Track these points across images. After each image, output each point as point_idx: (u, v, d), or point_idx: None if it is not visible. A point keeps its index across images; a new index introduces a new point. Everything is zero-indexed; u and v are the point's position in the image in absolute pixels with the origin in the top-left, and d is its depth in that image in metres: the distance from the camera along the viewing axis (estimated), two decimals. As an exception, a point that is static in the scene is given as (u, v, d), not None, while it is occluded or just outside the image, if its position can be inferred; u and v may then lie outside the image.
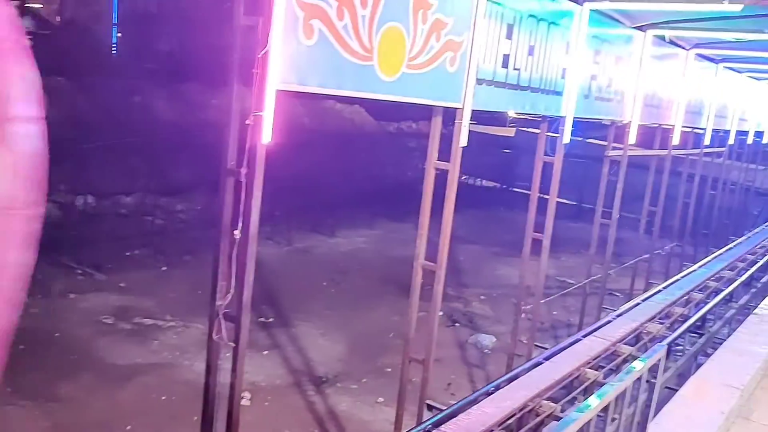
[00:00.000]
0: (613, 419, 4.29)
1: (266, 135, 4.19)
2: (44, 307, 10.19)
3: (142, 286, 11.58)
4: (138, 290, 11.39)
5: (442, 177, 6.26)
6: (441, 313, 8.23)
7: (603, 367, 6.42)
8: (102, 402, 7.85)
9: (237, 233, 4.43)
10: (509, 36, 6.19)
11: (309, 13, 4.22)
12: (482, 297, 13.10)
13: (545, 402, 5.48)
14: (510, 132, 25.69)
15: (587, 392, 6.11)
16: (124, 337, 9.57)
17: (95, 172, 13.16)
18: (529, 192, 8.48)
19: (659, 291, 9.14)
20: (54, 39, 27.46)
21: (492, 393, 5.58)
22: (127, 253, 13.10)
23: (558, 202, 8.42)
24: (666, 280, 10.44)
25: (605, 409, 4.00)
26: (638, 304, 8.44)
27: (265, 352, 9.54)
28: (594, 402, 3.65)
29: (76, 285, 11.27)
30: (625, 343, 7.00)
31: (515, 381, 5.83)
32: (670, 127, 11.46)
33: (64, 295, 10.77)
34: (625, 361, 6.66)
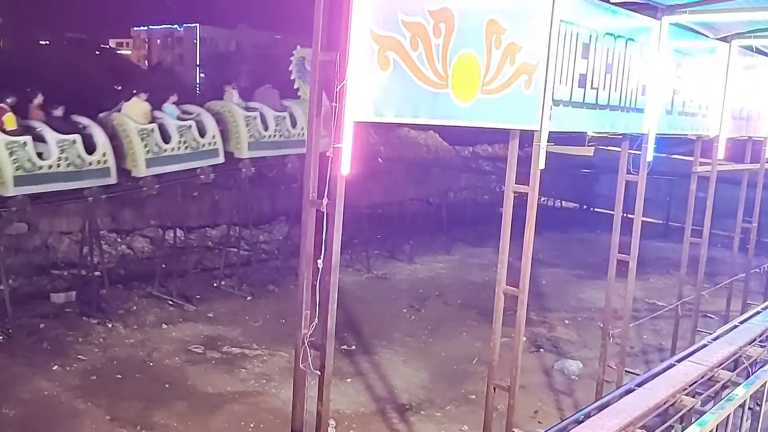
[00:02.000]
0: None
1: (345, 166, 4.29)
2: (138, 338, 10.68)
3: (228, 316, 11.95)
4: (225, 320, 11.75)
5: (519, 200, 6.19)
6: (524, 339, 8.07)
7: (700, 394, 6.11)
8: (195, 430, 8.10)
9: (320, 263, 4.53)
10: (585, 55, 6.10)
11: (384, 46, 4.32)
12: (567, 321, 12.74)
13: (639, 431, 5.25)
14: (589, 151, 25.13)
15: (684, 420, 5.83)
16: (213, 366, 9.86)
17: (183, 207, 13.74)
18: (610, 212, 8.24)
19: (758, 312, 8.63)
20: (144, 80, 29.14)
21: (582, 421, 5.40)
22: (214, 284, 13.55)
23: (643, 221, 8.15)
24: (765, 301, 9.85)
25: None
26: (736, 326, 7.99)
27: (349, 380, 9.60)
28: (695, 431, 3.48)
29: (168, 316, 11.74)
30: (723, 368, 6.63)
31: (606, 408, 5.62)
32: (762, 139, 10.91)
33: (157, 326, 11.23)
34: (724, 387, 6.31)
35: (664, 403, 5.80)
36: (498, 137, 22.19)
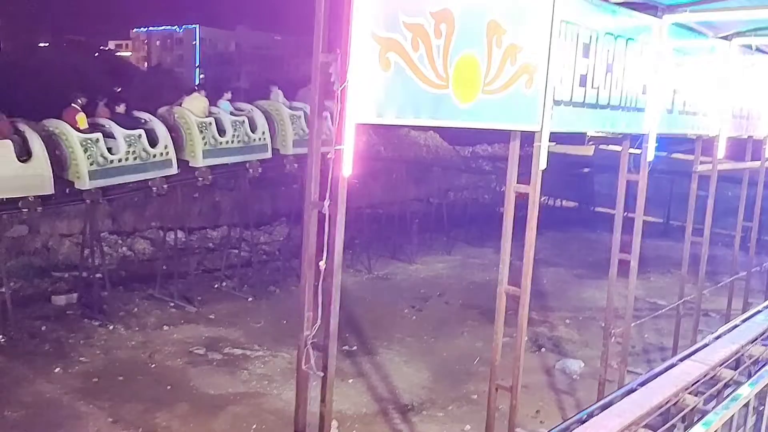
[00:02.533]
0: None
1: (347, 168, 4.29)
2: (140, 340, 10.68)
3: (230, 317, 11.95)
4: (226, 321, 11.75)
5: (520, 199, 6.19)
6: (526, 338, 8.07)
7: (702, 393, 6.09)
8: (197, 431, 8.10)
9: (322, 264, 4.53)
10: (586, 55, 6.10)
11: (385, 47, 4.32)
12: (568, 321, 12.74)
13: (642, 430, 5.24)
14: (589, 151, 25.10)
15: (686, 420, 5.82)
16: (215, 367, 9.87)
17: (183, 208, 13.76)
18: (611, 211, 8.23)
19: (760, 311, 8.62)
20: (144, 81, 29.17)
21: (585, 421, 5.38)
22: (215, 286, 13.56)
23: (644, 221, 8.14)
24: (766, 299, 9.84)
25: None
26: (738, 325, 7.97)
27: (351, 381, 9.60)
28: (699, 431, 3.48)
29: (169, 317, 11.74)
30: (725, 367, 6.62)
31: (609, 408, 5.60)
32: (762, 138, 10.90)
33: (158, 327, 11.24)
34: (726, 386, 6.31)
35: (667, 403, 5.78)
36: (498, 137, 22.18)
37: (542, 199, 21.00)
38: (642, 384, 6.11)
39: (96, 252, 11.85)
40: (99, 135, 10.73)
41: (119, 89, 27.34)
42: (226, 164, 12.73)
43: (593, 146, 25.75)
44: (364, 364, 10.23)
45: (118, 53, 55.49)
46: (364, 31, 4.17)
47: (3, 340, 10.17)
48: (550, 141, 5.91)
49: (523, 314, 6.24)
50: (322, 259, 4.54)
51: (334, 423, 7.93)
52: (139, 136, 11.21)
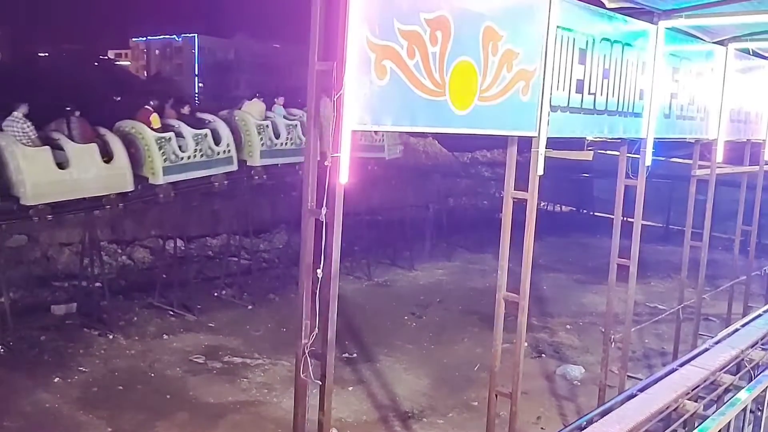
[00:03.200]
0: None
1: (344, 175, 4.29)
2: (140, 349, 10.66)
3: (229, 326, 11.93)
4: (226, 329, 11.73)
5: (519, 205, 6.20)
6: (526, 344, 8.06)
7: (703, 398, 6.08)
8: (196, 440, 8.08)
9: (319, 272, 4.53)
10: (582, 61, 6.11)
11: (380, 54, 4.33)
12: (568, 326, 12.72)
13: (642, 436, 5.23)
14: (588, 156, 25.13)
15: (686, 425, 5.80)
16: (215, 376, 9.84)
17: (183, 216, 13.77)
18: (610, 216, 8.23)
19: (760, 315, 8.60)
20: (143, 90, 29.23)
21: (585, 427, 5.37)
22: (215, 294, 13.54)
23: (643, 225, 8.14)
24: (767, 303, 9.81)
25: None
26: (738, 329, 7.95)
27: (350, 388, 9.58)
28: (696, 437, 3.47)
29: (169, 326, 11.72)
30: (725, 372, 6.60)
31: (609, 414, 5.59)
32: (760, 141, 10.91)
33: (158, 336, 11.22)
34: (726, 391, 6.29)
35: (667, 408, 5.77)
36: (496, 143, 22.22)
37: (542, 205, 21.12)
38: (642, 389, 6.09)
39: (95, 261, 11.84)
40: (171, 134, 11.64)
41: (119, 98, 27.40)
42: (277, 165, 13.66)
43: (592, 151, 25.79)
44: (364, 372, 10.21)
45: (118, 62, 55.66)
46: (360, 39, 4.19)
47: (2, 350, 10.15)
48: (548, 147, 5.91)
49: (522, 320, 6.23)
50: (319, 267, 4.53)
51: (334, 431, 7.91)
52: (206, 135, 12.17)
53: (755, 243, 11.68)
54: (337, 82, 4.20)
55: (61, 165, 10.21)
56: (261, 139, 13.05)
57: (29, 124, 10.12)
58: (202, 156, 12.06)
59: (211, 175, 12.44)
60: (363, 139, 14.82)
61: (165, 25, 61.21)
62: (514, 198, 6.20)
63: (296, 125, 13.70)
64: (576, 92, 6.13)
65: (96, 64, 39.97)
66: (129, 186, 11.10)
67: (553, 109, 5.84)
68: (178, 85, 43.20)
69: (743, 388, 6.16)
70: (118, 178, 10.95)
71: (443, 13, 4.65)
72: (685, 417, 5.72)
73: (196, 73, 59.34)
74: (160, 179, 11.43)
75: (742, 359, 7.03)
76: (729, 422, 3.90)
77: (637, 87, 7.02)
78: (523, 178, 6.18)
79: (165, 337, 11.22)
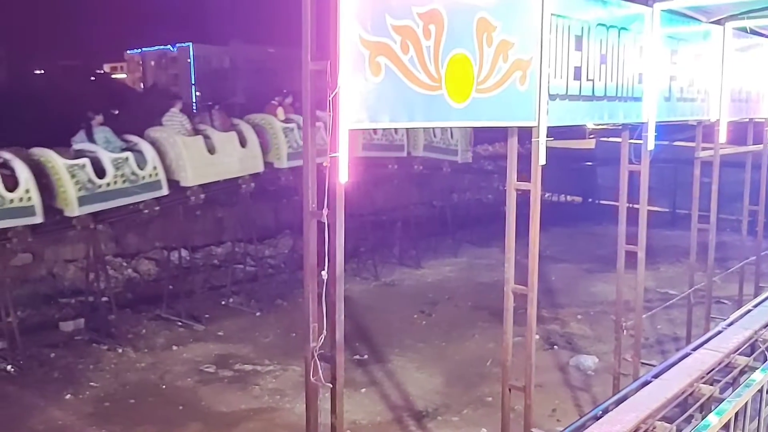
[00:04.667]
0: (739, 429, 3.98)
1: (343, 175, 4.24)
2: (150, 361, 10.63)
3: (238, 333, 11.90)
4: (235, 337, 11.70)
5: (523, 197, 6.13)
6: (537, 337, 7.99)
7: (718, 381, 6.01)
8: (210, 450, 8.04)
9: (324, 274, 4.48)
10: (579, 48, 6.04)
11: (374, 51, 4.27)
12: (579, 316, 12.65)
13: (659, 423, 5.15)
14: (590, 144, 25.03)
15: (703, 409, 5.73)
16: (226, 385, 9.81)
17: (186, 226, 13.75)
18: (615, 203, 8.16)
19: (772, 294, 8.52)
20: (140, 102, 29.26)
21: (600, 417, 5.31)
22: (222, 302, 13.52)
23: (649, 211, 8.07)
24: (778, 283, 9.74)
25: (726, 425, 3.73)
26: (750, 310, 7.88)
27: (363, 390, 9.53)
28: (713, 420, 3.41)
29: (178, 337, 11.70)
30: (740, 354, 6.53)
31: (624, 402, 5.53)
32: (763, 120, 10.82)
33: (167, 348, 11.19)
34: (742, 372, 6.22)
35: (683, 393, 5.70)
36: (498, 136, 22.10)
37: (546, 196, 21.07)
38: (656, 376, 6.03)
39: (101, 276, 11.83)
40: (294, 125, 13.16)
41: (117, 111, 27.41)
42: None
43: (594, 139, 25.68)
44: (376, 373, 10.16)
45: (114, 76, 55.76)
46: (352, 37, 4.13)
47: (12, 369, 10.14)
48: (549, 136, 5.85)
49: (531, 313, 6.17)
50: (323, 269, 4.48)
51: (348, 433, 7.88)
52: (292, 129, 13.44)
53: (763, 222, 11.58)
54: (331, 82, 4.15)
55: (210, 151, 12.14)
56: (288, 142, 13.46)
57: (186, 117, 12.24)
58: (297, 148, 12.92)
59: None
60: (434, 141, 16.32)
61: (159, 35, 61.33)
62: (517, 189, 6.14)
63: (319, 128, 13.96)
64: (574, 79, 6.06)
65: (92, 78, 40.01)
66: (260, 168, 13.01)
67: (552, 97, 5.77)
68: (175, 96, 43.21)
69: (758, 368, 6.09)
70: (252, 161, 12.80)
71: (435, 6, 4.59)
72: (702, 401, 5.65)
73: (193, 82, 59.41)
74: (284, 164, 13.24)
75: (756, 340, 6.96)
76: (746, 403, 3.83)
77: (635, 71, 6.95)
78: (525, 169, 6.12)
79: (174, 348, 11.19)
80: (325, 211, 4.42)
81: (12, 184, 9.74)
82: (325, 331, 4.60)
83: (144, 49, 64.98)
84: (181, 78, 60.87)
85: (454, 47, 4.77)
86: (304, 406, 5.01)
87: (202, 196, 12.27)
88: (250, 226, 14.43)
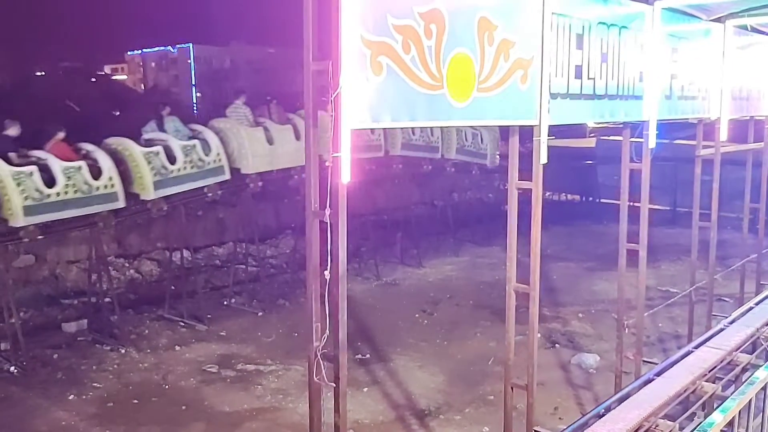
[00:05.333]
0: (742, 427, 4.00)
1: (345, 175, 4.25)
2: (152, 361, 10.65)
3: (241, 333, 11.92)
4: (238, 337, 11.71)
5: (523, 196, 6.15)
6: (539, 335, 7.99)
7: (721, 379, 6.03)
8: (213, 450, 8.06)
9: (326, 274, 4.49)
10: (580, 46, 6.06)
11: (375, 51, 4.28)
12: (580, 315, 12.66)
13: (661, 421, 5.18)
14: (590, 143, 25.01)
15: (705, 407, 5.75)
16: (229, 384, 9.82)
17: (188, 227, 13.76)
18: (616, 202, 8.17)
19: (774, 292, 8.54)
20: (141, 103, 29.28)
21: (603, 415, 5.33)
22: (225, 302, 13.53)
23: (650, 209, 8.08)
24: (780, 280, 9.74)
25: (730, 423, 3.74)
26: (752, 308, 7.90)
27: (366, 389, 9.54)
28: (718, 418, 3.42)
29: (180, 337, 11.71)
30: (742, 351, 6.55)
31: (627, 400, 5.55)
32: (763, 118, 10.83)
33: (170, 348, 11.21)
34: (744, 370, 6.24)
35: (685, 391, 5.72)
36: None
37: (546, 195, 21.08)
38: (658, 374, 6.05)
39: (104, 277, 11.85)
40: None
41: (118, 113, 27.44)
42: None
43: (594, 138, 25.67)
44: (378, 372, 10.17)
45: (114, 77, 55.78)
46: (354, 37, 4.14)
47: (16, 370, 10.16)
48: (550, 135, 5.86)
49: (533, 311, 6.19)
50: (326, 269, 4.49)
51: (351, 433, 7.89)
52: None
53: (764, 220, 11.59)
54: (333, 82, 4.16)
55: (268, 142, 12.92)
56: None
57: (249, 109, 13.10)
58: None
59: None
60: (466, 144, 17.36)
61: (159, 36, 61.39)
62: (518, 188, 6.15)
63: None
64: (575, 78, 6.07)
65: (93, 80, 40.02)
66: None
67: (553, 96, 5.78)
68: (176, 96, 43.25)
69: (761, 366, 6.10)
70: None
71: (437, 6, 4.60)
72: (704, 399, 5.67)
73: (193, 83, 59.43)
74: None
75: (758, 338, 6.98)
76: (750, 401, 3.84)
77: (636, 69, 6.96)
78: (526, 168, 6.13)
79: (177, 348, 11.21)
80: (327, 211, 4.43)
81: (96, 173, 10.66)
82: (327, 331, 4.62)
83: (144, 50, 65.01)
84: (182, 79, 60.90)
85: (456, 47, 4.78)
86: (307, 405, 5.03)
87: (260, 183, 13.03)
88: (252, 226, 14.45)
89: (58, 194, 10.09)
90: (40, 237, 10.20)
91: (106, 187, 10.65)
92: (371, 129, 13.95)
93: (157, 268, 15.38)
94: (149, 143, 11.74)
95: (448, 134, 16.48)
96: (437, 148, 16.71)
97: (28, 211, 9.79)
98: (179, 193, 11.89)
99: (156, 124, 12.26)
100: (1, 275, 10.68)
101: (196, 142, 12.10)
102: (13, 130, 10.33)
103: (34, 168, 9.92)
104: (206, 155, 12.16)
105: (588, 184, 24.63)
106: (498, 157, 18.68)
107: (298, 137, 13.18)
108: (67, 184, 10.17)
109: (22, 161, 10.05)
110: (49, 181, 10.03)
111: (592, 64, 6.24)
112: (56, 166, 10.16)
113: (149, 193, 11.30)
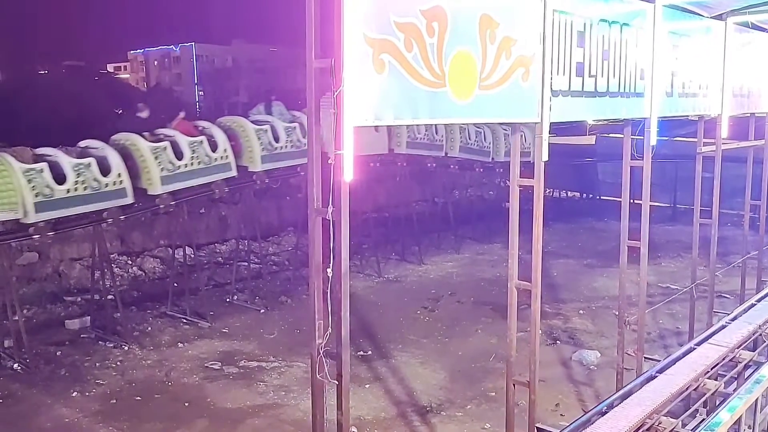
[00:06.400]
0: (748, 426, 4.03)
1: (348, 172, 4.27)
2: (155, 358, 10.68)
3: (243, 330, 11.94)
4: (240, 334, 11.75)
5: (524, 193, 6.17)
6: (540, 332, 8.01)
7: (723, 376, 6.06)
8: (216, 446, 8.09)
9: (329, 271, 4.51)
10: (581, 44, 6.07)
11: (378, 48, 4.30)
12: (581, 311, 12.68)
13: (664, 418, 5.20)
14: (590, 140, 24.99)
15: (708, 404, 5.77)
16: (232, 381, 9.86)
17: (190, 224, 13.78)
18: (617, 199, 8.19)
19: (775, 289, 8.56)
20: (144, 102, 29.26)
21: (606, 412, 5.36)
22: (227, 300, 13.56)
23: (651, 206, 8.10)
24: (781, 277, 9.76)
25: (737, 421, 3.76)
26: (753, 305, 7.94)
27: (367, 386, 9.57)
28: (725, 416, 3.45)
29: (183, 334, 11.74)
30: (744, 348, 6.58)
31: (629, 398, 5.58)
32: (764, 115, 10.83)
33: (173, 345, 11.24)
34: (746, 367, 6.26)
35: (687, 388, 5.75)
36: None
37: (547, 192, 21.07)
38: (661, 371, 6.08)
39: (107, 274, 11.88)
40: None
41: (120, 111, 27.45)
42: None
43: (594, 135, 25.66)
44: (379, 368, 10.20)
45: (117, 75, 55.78)
46: (356, 34, 4.16)
47: (19, 367, 10.19)
48: (550, 132, 5.88)
49: (535, 308, 6.21)
50: (329, 266, 4.52)
51: (353, 429, 7.92)
52: None
53: (765, 217, 11.61)
54: (335, 79, 4.18)
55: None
56: None
57: (284, 107, 13.77)
58: None
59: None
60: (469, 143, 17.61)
61: (162, 35, 61.42)
62: (520, 186, 6.17)
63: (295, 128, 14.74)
64: (576, 76, 6.09)
65: (96, 78, 40.02)
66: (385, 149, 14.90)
67: (555, 93, 5.81)
68: (179, 95, 43.27)
69: (763, 363, 6.13)
70: (379, 143, 14.48)
71: (439, 4, 4.62)
72: (707, 396, 5.70)
73: (196, 81, 59.45)
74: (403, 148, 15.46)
75: (760, 334, 7.01)
76: (756, 399, 3.87)
77: (637, 67, 6.98)
78: (527, 165, 6.15)
79: (180, 345, 11.24)
80: (330, 209, 4.45)
81: (214, 147, 12.01)
82: (330, 329, 4.64)
83: (147, 49, 65.01)
84: (184, 77, 60.92)
85: (458, 44, 4.80)
86: (309, 402, 5.06)
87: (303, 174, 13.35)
88: (254, 223, 14.48)
89: (186, 165, 11.63)
90: (172, 203, 11.72)
91: (222, 158, 12.05)
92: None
93: (160, 266, 15.41)
94: (257, 123, 12.97)
95: (452, 132, 16.71)
96: (441, 146, 16.87)
97: (165, 180, 11.36)
98: (282, 168, 13.17)
99: (263, 108, 13.78)
100: (5, 272, 10.71)
101: (296, 125, 13.19)
102: (144, 113, 12.11)
103: (167, 143, 11.43)
104: (304, 137, 12.88)
105: (588, 182, 24.63)
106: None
107: (305, 136, 13.50)
108: (192, 157, 11.66)
109: (155, 138, 11.53)
110: (178, 154, 11.49)
111: (593, 61, 6.26)
112: (183, 141, 11.63)
113: (257, 166, 12.69)
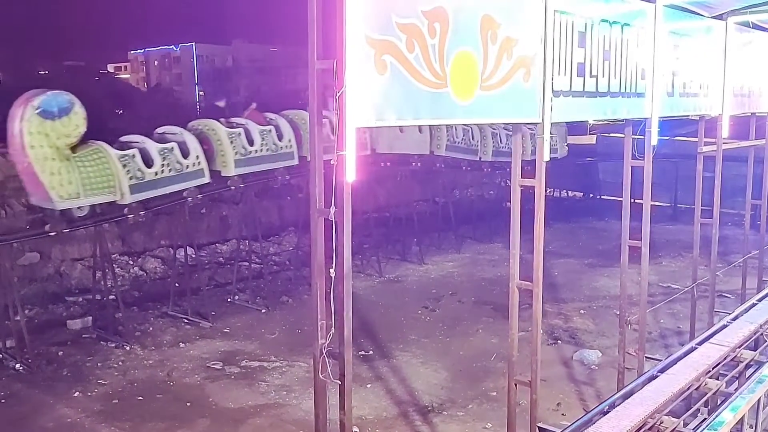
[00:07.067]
0: (751, 426, 4.04)
1: (350, 173, 4.28)
2: (157, 358, 10.70)
3: (244, 330, 11.96)
4: (241, 334, 11.76)
5: (525, 193, 6.18)
6: (541, 331, 8.02)
7: (724, 375, 6.06)
8: (218, 446, 8.10)
9: (332, 272, 4.53)
10: (582, 44, 6.08)
11: (380, 49, 4.31)
12: (582, 311, 12.69)
13: (666, 418, 5.21)
14: (591, 140, 25.00)
15: (709, 404, 5.79)
16: (233, 381, 9.87)
17: (191, 224, 13.79)
18: (617, 198, 8.19)
19: (775, 288, 8.56)
20: (144, 102, 29.29)
21: (607, 411, 5.37)
22: (228, 300, 13.58)
23: (652, 205, 8.11)
24: (782, 276, 9.76)
25: (739, 420, 3.77)
26: (755, 304, 7.94)
27: (369, 385, 9.59)
28: (728, 416, 3.46)
29: (185, 334, 11.76)
30: (745, 348, 6.58)
31: (631, 397, 5.58)
32: (765, 114, 10.83)
33: (174, 345, 11.26)
34: (747, 366, 6.27)
35: (689, 388, 5.75)
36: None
37: (548, 191, 21.07)
38: (662, 370, 6.08)
39: (108, 274, 11.90)
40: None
41: (121, 111, 27.44)
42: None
43: (595, 135, 25.66)
44: (381, 368, 10.22)
45: (118, 75, 55.77)
46: (358, 35, 4.17)
47: (21, 367, 10.22)
48: (551, 133, 5.89)
49: (537, 308, 6.22)
50: (331, 267, 4.53)
51: (355, 429, 7.93)
52: None
53: (766, 217, 11.62)
54: (338, 80, 4.19)
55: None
56: None
57: None
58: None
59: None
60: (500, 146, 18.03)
61: (162, 35, 61.41)
62: (521, 186, 6.18)
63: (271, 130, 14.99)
64: (578, 76, 6.10)
65: (96, 78, 39.99)
66: (427, 150, 16.07)
67: (556, 94, 5.81)
68: (179, 95, 43.29)
69: (764, 363, 6.14)
70: (421, 144, 15.76)
71: (440, 4, 4.63)
72: (708, 396, 5.71)
73: (196, 81, 59.46)
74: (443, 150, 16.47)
75: (761, 334, 7.01)
76: (758, 399, 3.88)
77: (638, 67, 6.99)
78: (528, 165, 6.16)
79: (181, 345, 11.26)
80: (332, 210, 4.46)
81: (280, 136, 13.14)
82: (333, 329, 4.65)
83: (147, 49, 65.00)
84: (185, 77, 60.92)
85: (459, 45, 4.81)
86: (311, 402, 5.07)
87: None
88: (255, 223, 14.49)
89: (256, 151, 12.73)
90: (241, 185, 12.88)
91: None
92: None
93: (161, 266, 15.43)
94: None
95: (485, 136, 17.54)
96: (476, 150, 17.55)
97: (238, 163, 12.48)
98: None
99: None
100: (7, 273, 10.73)
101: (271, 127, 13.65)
102: (222, 103, 13.34)
103: (241, 130, 12.59)
104: (279, 140, 13.46)
105: (588, 181, 24.63)
106: (566, 148, 20.49)
107: (281, 137, 13.75)
108: (262, 143, 12.79)
109: (230, 125, 12.62)
110: (249, 140, 12.61)
111: (594, 61, 6.27)
112: (254, 129, 12.76)
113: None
